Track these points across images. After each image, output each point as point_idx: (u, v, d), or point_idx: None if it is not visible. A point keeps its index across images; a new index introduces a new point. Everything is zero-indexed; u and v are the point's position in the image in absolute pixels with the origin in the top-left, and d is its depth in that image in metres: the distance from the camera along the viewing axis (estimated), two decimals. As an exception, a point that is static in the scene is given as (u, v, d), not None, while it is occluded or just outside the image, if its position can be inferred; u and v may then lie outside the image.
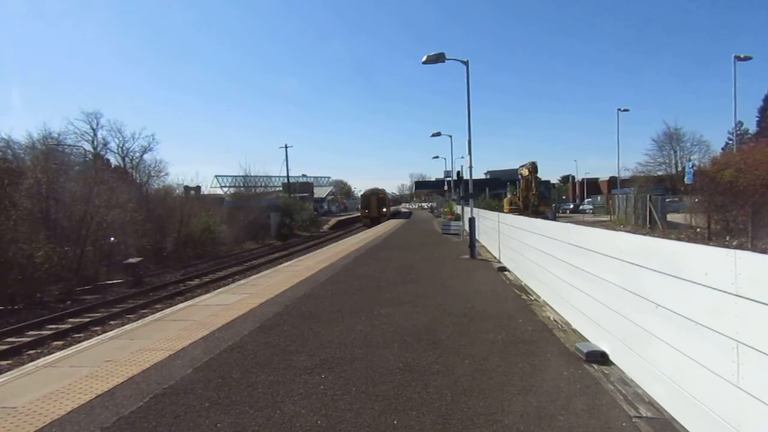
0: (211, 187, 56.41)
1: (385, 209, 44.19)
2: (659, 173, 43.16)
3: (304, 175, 74.37)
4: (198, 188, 40.80)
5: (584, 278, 5.13)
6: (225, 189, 55.07)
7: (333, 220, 54.49)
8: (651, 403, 3.48)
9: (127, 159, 29.96)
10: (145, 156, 30.27)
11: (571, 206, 56.02)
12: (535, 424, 3.26)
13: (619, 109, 37.80)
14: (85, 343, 5.81)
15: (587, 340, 4.97)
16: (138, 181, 28.70)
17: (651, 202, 24.44)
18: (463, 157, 28.91)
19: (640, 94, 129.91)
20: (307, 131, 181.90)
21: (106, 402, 3.77)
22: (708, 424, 2.76)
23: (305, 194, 61.10)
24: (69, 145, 26.22)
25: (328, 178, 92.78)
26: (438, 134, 28.78)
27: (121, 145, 29.79)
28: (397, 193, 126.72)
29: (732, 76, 24.45)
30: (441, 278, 9.95)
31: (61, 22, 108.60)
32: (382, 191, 47.62)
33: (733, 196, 16.86)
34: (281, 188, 56.29)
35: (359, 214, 47.73)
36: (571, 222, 9.81)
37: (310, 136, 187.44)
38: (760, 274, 2.34)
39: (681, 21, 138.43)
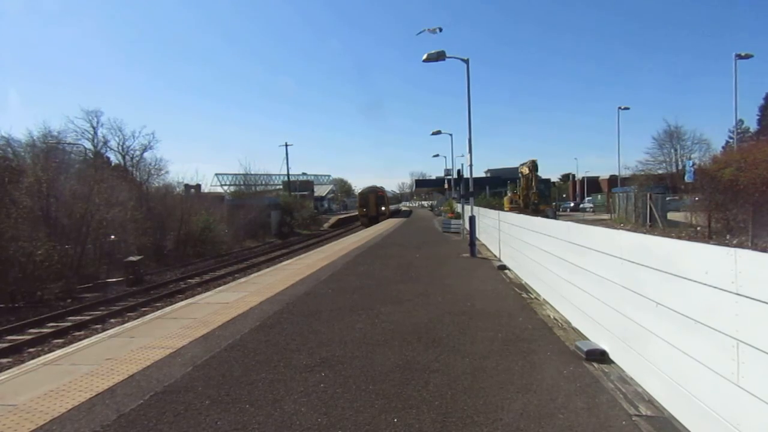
0: (211, 185, 56.51)
1: (383, 208, 42.78)
2: (659, 171, 43.10)
3: (304, 174, 74.35)
4: (198, 186, 40.91)
5: (584, 276, 5.13)
6: (225, 187, 55.05)
7: (333, 219, 54.51)
8: (651, 402, 3.48)
9: (127, 157, 29.90)
10: (146, 154, 30.21)
11: (572, 205, 56.04)
12: (534, 422, 3.26)
13: (619, 108, 37.77)
14: (85, 341, 5.80)
15: (587, 339, 4.97)
16: (138, 179, 28.67)
17: (651, 200, 24.45)
18: (463, 156, 28.91)
19: (640, 93, 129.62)
20: (307, 130, 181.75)
21: (107, 400, 3.78)
22: (708, 422, 2.77)
23: (305, 192, 61.03)
24: (69, 144, 26.20)
25: (329, 176, 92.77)
26: (438, 132, 28.74)
27: (121, 144, 29.74)
28: (398, 192, 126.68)
29: (733, 74, 24.44)
30: (441, 276, 9.95)
31: (60, 20, 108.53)
32: (381, 189, 46.10)
33: (733, 195, 16.86)
34: (281, 186, 56.25)
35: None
36: (571, 220, 9.80)
37: (310, 134, 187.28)
38: (761, 273, 2.33)
39: (681, 19, 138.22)
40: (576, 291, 5.48)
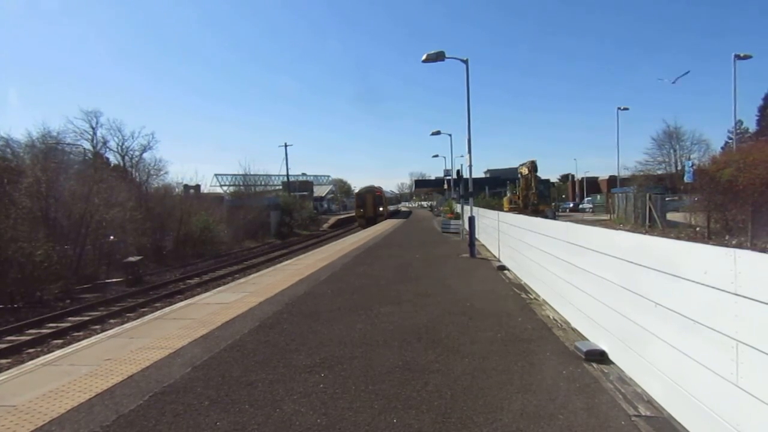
0: (210, 185, 56.49)
1: (381, 208, 41.91)
2: (659, 172, 43.13)
3: (303, 174, 74.29)
4: (197, 187, 40.90)
5: (583, 277, 5.13)
6: (225, 188, 55.00)
7: (332, 219, 54.51)
8: (650, 402, 3.48)
9: (126, 158, 29.99)
10: (145, 155, 30.34)
11: (571, 205, 56.11)
12: (534, 422, 3.26)
13: (618, 108, 37.83)
14: (84, 342, 5.80)
15: (586, 339, 4.97)
16: (137, 179, 28.71)
17: (650, 200, 24.46)
18: (462, 156, 28.89)
19: (639, 93, 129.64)
20: (306, 130, 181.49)
21: (106, 400, 3.77)
22: (707, 422, 2.77)
23: (305, 193, 60.97)
24: (68, 144, 26.32)
25: (328, 176, 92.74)
26: (438, 133, 28.78)
27: (120, 144, 29.83)
28: (397, 192, 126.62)
29: (732, 74, 24.49)
30: (440, 277, 9.96)
31: (59, 20, 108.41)
32: (379, 189, 45.17)
33: (732, 195, 16.88)
34: (281, 187, 56.22)
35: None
36: (570, 221, 9.81)
37: (309, 134, 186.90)
38: (760, 273, 2.34)
39: (680, 19, 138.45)
40: (575, 291, 5.48)
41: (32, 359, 6.37)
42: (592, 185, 65.26)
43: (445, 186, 42.16)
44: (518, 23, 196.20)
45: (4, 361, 8.71)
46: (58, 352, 5.36)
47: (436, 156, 47.80)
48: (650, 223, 23.91)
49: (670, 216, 24.18)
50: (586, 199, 57.02)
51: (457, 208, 25.88)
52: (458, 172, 22.12)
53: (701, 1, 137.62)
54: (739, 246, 13.23)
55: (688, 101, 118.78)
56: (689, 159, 32.62)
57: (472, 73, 14.84)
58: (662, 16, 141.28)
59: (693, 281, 2.90)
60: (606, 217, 34.68)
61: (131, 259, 17.18)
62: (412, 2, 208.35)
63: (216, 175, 60.65)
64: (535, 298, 7.46)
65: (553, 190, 55.92)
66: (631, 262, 3.84)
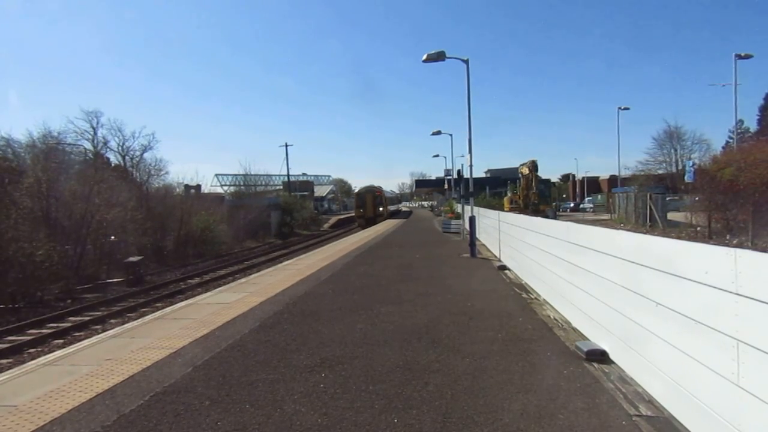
0: (211, 185, 56.45)
1: (381, 208, 41.49)
2: (660, 172, 43.14)
3: (304, 174, 74.18)
4: (198, 187, 40.89)
5: (584, 277, 5.13)
6: (225, 188, 54.96)
7: (333, 219, 54.53)
8: (651, 402, 3.48)
9: (127, 158, 29.91)
10: (146, 155, 30.24)
11: (572, 205, 56.05)
12: (535, 422, 3.26)
13: (619, 108, 37.81)
14: (85, 342, 5.81)
15: (587, 339, 4.97)
16: (138, 179, 28.70)
17: (651, 200, 24.46)
18: (463, 156, 28.84)
19: (640, 93, 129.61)
20: (307, 130, 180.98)
21: (107, 400, 3.78)
22: (708, 422, 2.76)
23: (305, 193, 60.90)
24: (69, 144, 26.27)
25: (329, 176, 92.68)
26: (438, 133, 28.71)
27: (121, 144, 29.75)
28: (398, 192, 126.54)
29: (733, 74, 24.49)
30: (441, 277, 9.95)
31: (59, 20, 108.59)
32: (379, 188, 44.69)
33: (733, 195, 16.88)
34: (281, 187, 56.21)
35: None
36: (571, 221, 9.80)
37: (309, 134, 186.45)
38: (761, 273, 2.33)
39: (681, 19, 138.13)
40: (576, 291, 5.48)
41: (33, 359, 6.39)
42: (592, 185, 65.22)
43: (446, 186, 42.01)
44: (519, 23, 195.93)
45: (5, 361, 8.73)
46: (58, 352, 5.36)
47: (437, 156, 47.70)
48: (651, 222, 23.90)
49: (671, 216, 24.18)
50: (586, 198, 57.03)
51: (458, 208, 25.85)
52: (459, 171, 22.13)
53: (702, 1, 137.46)
54: (740, 246, 13.24)
55: (689, 101, 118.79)
56: (690, 159, 32.66)
57: (473, 72, 14.85)
58: (663, 16, 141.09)
59: (694, 281, 2.90)
60: (607, 216, 34.71)
61: (132, 259, 17.20)
62: (412, 2, 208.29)
63: (217, 175, 60.64)
64: (535, 298, 7.45)
65: (553, 189, 55.92)
66: (632, 262, 3.83)
